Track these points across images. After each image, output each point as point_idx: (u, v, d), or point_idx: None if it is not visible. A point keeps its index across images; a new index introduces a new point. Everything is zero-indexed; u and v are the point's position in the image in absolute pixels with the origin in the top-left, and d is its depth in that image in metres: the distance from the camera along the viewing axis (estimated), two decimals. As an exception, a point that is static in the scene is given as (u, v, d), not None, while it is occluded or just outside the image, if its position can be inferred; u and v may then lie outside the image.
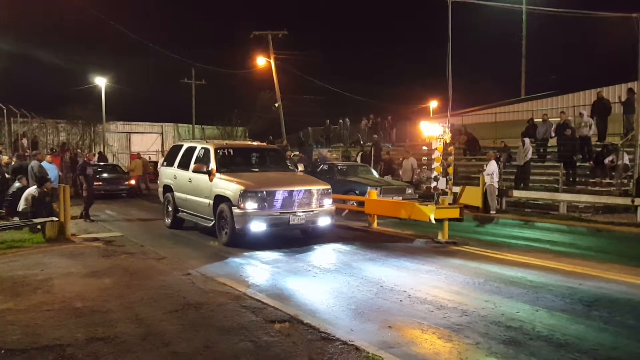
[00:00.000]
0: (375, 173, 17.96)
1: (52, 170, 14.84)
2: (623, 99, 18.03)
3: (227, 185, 10.32)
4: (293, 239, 11.16)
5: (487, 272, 8.14)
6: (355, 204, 13.82)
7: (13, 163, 16.00)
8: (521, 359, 4.82)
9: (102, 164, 24.44)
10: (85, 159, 15.73)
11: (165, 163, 13.63)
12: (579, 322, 5.84)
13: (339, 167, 17.39)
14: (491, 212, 15.74)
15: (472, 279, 7.70)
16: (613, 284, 7.42)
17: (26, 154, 20.71)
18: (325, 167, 17.74)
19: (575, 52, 43.92)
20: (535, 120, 20.36)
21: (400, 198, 14.46)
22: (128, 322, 5.61)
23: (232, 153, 11.74)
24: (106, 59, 50.97)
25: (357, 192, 14.71)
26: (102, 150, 35.23)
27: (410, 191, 15.56)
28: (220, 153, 11.38)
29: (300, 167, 12.79)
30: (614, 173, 16.31)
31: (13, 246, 9.78)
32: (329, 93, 37.05)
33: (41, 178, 12.81)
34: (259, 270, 8.51)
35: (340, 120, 31.33)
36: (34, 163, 14.04)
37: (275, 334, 5.26)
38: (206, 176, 10.90)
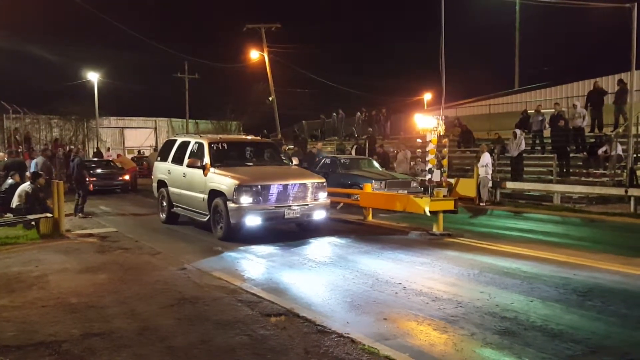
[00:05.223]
0: (378, 166, 17.71)
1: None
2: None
3: (221, 180, 10.30)
4: (288, 232, 11.17)
5: (481, 264, 8.18)
6: (358, 197, 13.49)
7: (6, 159, 15.95)
8: (516, 349, 4.85)
9: (96, 159, 24.47)
10: (80, 154, 15.89)
11: (159, 158, 13.58)
12: (573, 312, 5.88)
13: (341, 161, 17.18)
14: (480, 203, 15.75)
15: (467, 271, 7.74)
16: (607, 274, 7.47)
17: (19, 150, 20.65)
18: (328, 160, 17.48)
19: (568, 42, 43.89)
20: (528, 111, 20.40)
21: (406, 191, 14.36)
22: (124, 318, 5.61)
23: (226, 147, 11.68)
24: (98, 54, 50.47)
25: (360, 185, 14.40)
26: (97, 145, 35.12)
27: (415, 184, 15.39)
28: (215, 147, 11.34)
29: (295, 161, 12.75)
30: (607, 164, 16.38)
31: (7, 243, 9.73)
32: (323, 86, 37.00)
33: (34, 173, 12.74)
34: (255, 264, 8.51)
35: (335, 114, 31.29)
36: (39, 159, 13.95)
37: (271, 328, 5.27)
38: (200, 171, 10.86)
